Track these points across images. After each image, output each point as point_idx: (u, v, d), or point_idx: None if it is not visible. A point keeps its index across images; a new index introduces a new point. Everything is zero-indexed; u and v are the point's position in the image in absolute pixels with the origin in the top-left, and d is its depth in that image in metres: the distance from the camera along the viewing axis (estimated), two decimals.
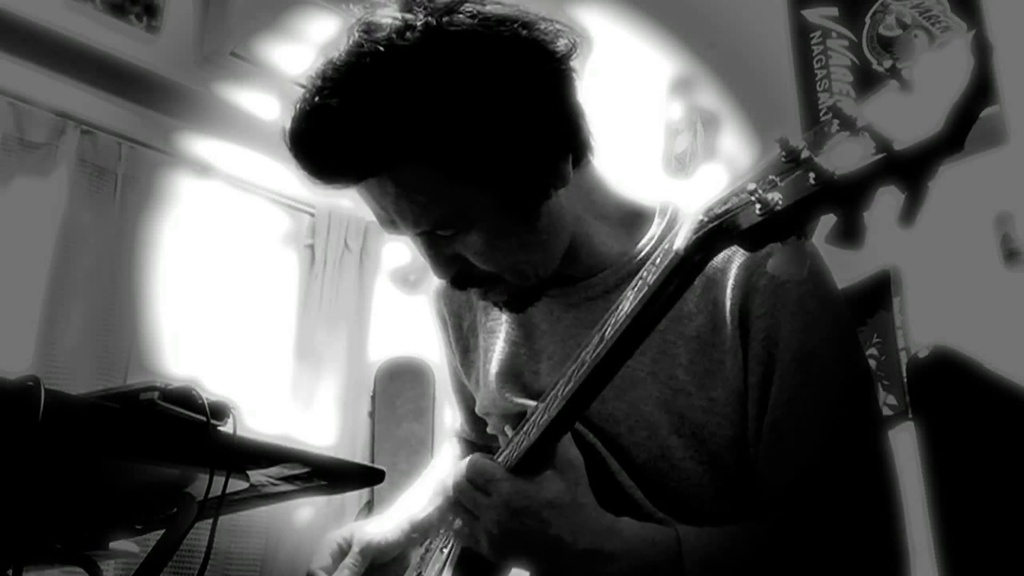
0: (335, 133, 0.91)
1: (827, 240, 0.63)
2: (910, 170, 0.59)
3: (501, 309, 1.09)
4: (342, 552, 1.18)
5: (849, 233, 0.62)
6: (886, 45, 2.58)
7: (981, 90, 0.57)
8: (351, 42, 0.92)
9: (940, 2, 2.47)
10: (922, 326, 2.31)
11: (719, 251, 0.75)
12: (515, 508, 0.89)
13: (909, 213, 0.60)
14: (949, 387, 1.21)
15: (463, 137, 0.91)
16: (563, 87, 0.97)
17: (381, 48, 0.90)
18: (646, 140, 3.03)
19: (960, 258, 2.24)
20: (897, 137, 0.59)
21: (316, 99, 0.91)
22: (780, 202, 0.65)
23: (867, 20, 2.63)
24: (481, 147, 0.92)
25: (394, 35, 0.90)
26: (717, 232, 0.72)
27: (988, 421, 1.20)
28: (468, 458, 0.96)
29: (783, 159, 0.66)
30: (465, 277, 1.02)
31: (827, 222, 0.64)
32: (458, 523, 0.99)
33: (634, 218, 1.10)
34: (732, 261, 1.00)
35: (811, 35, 2.73)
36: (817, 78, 2.69)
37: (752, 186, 0.67)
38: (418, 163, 0.92)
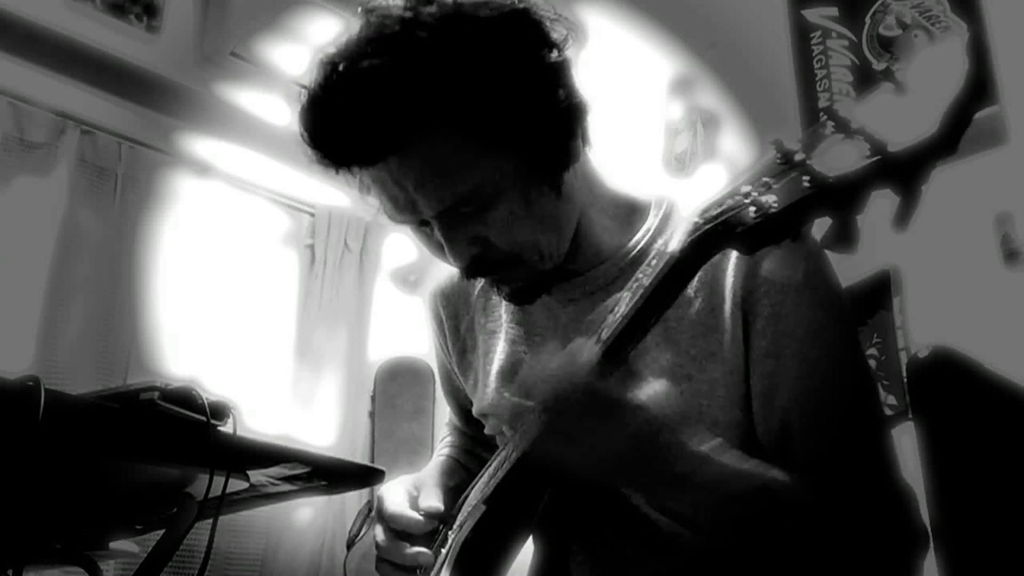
0: (365, 100, 0.90)
1: (822, 243, 0.63)
2: (904, 172, 0.59)
3: (511, 300, 1.07)
4: (411, 497, 1.14)
5: (843, 236, 0.62)
6: (886, 45, 2.58)
7: (976, 92, 0.57)
8: (374, 15, 0.93)
9: (940, 2, 2.47)
10: (922, 326, 2.31)
11: (715, 253, 0.75)
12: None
13: (903, 216, 0.60)
14: (949, 387, 1.21)
15: (492, 100, 0.91)
16: (572, 63, 0.99)
17: (407, 15, 0.90)
18: (646, 140, 3.03)
19: (960, 258, 2.24)
20: (891, 139, 0.59)
21: (341, 67, 0.91)
22: (775, 205, 0.65)
23: (867, 20, 2.63)
24: (509, 110, 0.92)
25: (418, 2, 0.91)
26: (712, 234, 0.72)
27: (988, 421, 1.20)
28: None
29: (778, 161, 0.66)
30: (481, 263, 1.00)
31: (823, 226, 0.64)
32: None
33: (630, 211, 1.11)
34: None
35: (811, 35, 2.73)
36: (817, 78, 2.68)
37: (747, 188, 0.68)
38: (449, 129, 0.91)
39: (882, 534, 0.92)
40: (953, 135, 0.57)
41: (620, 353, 0.81)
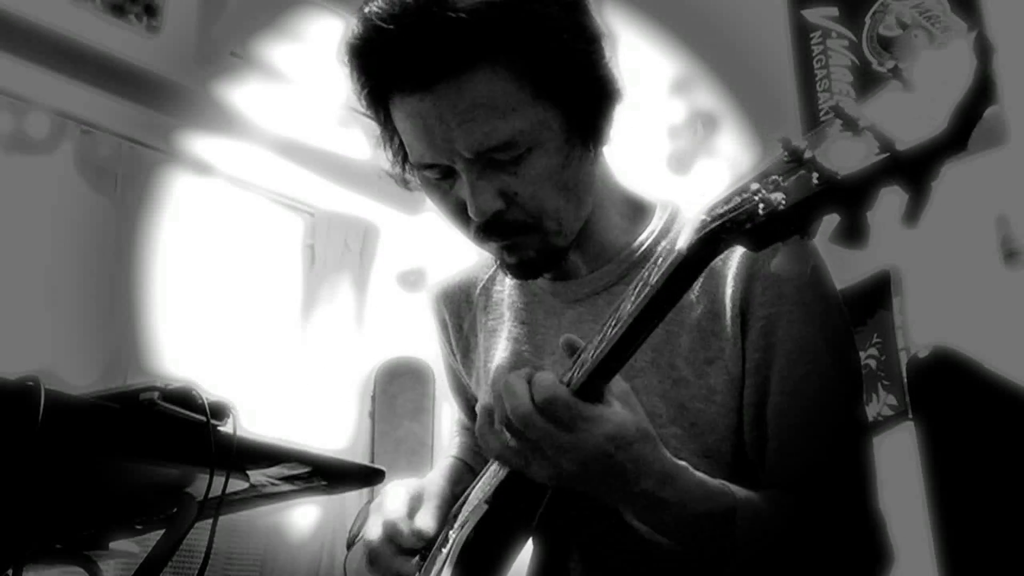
0: (430, 18, 0.90)
1: (831, 239, 0.64)
2: (913, 170, 0.59)
3: (514, 272, 1.05)
4: (411, 507, 1.12)
5: (852, 232, 0.63)
6: (886, 45, 2.59)
7: (984, 90, 0.57)
8: None
9: (940, 2, 2.47)
10: (922, 326, 2.31)
11: (722, 251, 0.75)
12: (593, 453, 0.83)
13: (913, 212, 0.60)
14: (949, 387, 1.22)
15: (550, 49, 0.93)
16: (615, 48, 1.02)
17: None
18: (646, 140, 3.03)
19: (960, 258, 2.24)
20: (900, 137, 0.59)
21: None
22: (783, 202, 0.65)
23: (867, 20, 2.63)
24: (565, 63, 0.94)
25: None
26: (720, 232, 0.72)
27: (988, 421, 1.20)
28: (529, 377, 0.85)
29: (786, 159, 0.66)
30: (499, 222, 0.98)
31: (830, 222, 0.65)
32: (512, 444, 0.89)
33: (636, 211, 1.11)
34: (734, 250, 1.01)
35: (811, 35, 2.73)
36: (817, 78, 2.69)
37: (755, 186, 0.68)
38: (504, 67, 0.92)
39: (849, 555, 0.94)
40: (962, 132, 0.58)
41: (621, 360, 0.82)
